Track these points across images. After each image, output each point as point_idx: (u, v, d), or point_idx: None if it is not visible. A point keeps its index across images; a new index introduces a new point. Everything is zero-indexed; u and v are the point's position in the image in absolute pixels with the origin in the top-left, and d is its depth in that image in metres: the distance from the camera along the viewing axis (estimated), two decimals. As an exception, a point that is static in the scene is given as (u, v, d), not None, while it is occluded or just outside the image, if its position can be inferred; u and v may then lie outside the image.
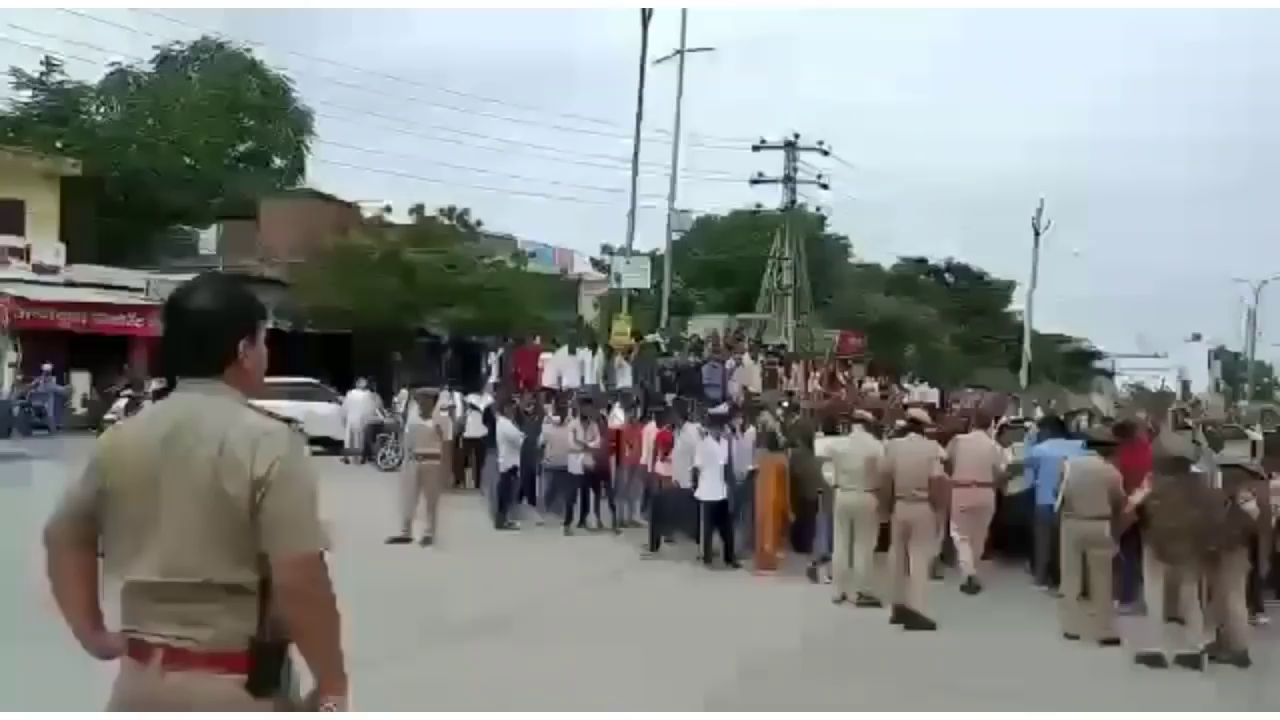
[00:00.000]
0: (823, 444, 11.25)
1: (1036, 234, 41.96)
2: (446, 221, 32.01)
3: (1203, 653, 8.05)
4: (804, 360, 20.54)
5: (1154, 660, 7.98)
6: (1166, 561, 8.12)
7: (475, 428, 15.33)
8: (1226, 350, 76.89)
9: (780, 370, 18.53)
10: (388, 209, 31.96)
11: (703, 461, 11.09)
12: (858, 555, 9.73)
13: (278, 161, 39.62)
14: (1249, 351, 63.07)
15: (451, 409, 15.14)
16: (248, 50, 37.43)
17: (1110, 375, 63.66)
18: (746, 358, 17.97)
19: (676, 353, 19.14)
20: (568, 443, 13.12)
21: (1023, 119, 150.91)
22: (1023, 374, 39.31)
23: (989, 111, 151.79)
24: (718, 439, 11.27)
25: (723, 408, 12.66)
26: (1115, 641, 8.48)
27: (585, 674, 7.03)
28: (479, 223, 32.98)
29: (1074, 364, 55.58)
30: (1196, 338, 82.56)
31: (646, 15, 23.68)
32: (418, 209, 31.86)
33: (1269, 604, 9.73)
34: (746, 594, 10.20)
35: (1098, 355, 59.74)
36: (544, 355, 18.32)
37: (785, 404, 14.40)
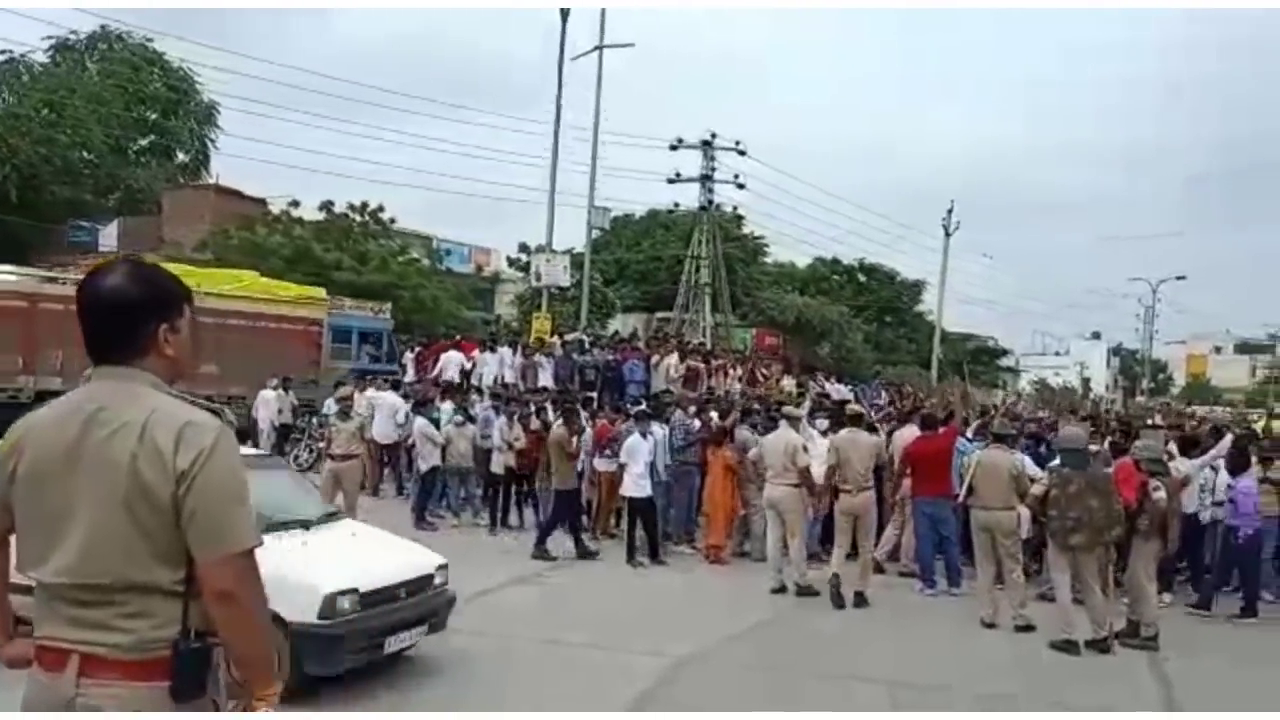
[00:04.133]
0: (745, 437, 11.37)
1: (947, 235, 42.93)
2: (359, 218, 31.38)
3: (1111, 637, 8.31)
4: (725, 358, 20.61)
5: (1067, 647, 8.19)
6: (1069, 551, 8.34)
7: (387, 428, 14.97)
8: (1124, 348, 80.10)
9: (703, 368, 18.57)
10: (295, 204, 31.21)
11: (629, 458, 11.03)
12: (792, 546, 9.82)
13: (181, 156, 38.38)
14: (1145, 349, 65.53)
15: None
16: (149, 41, 36.15)
17: (1015, 372, 65.70)
18: (672, 357, 17.98)
19: (596, 350, 19.05)
20: (469, 443, 13.01)
21: (939, 122, 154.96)
22: (933, 371, 40.13)
23: (905, 112, 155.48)
24: (644, 435, 11.22)
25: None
26: (1030, 628, 8.69)
27: (515, 675, 6.93)
28: (393, 220, 32.39)
29: (980, 361, 57.00)
30: (1096, 336, 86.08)
31: (565, 14, 23.58)
32: (328, 205, 31.19)
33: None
34: (674, 589, 10.18)
35: (1003, 353, 61.42)
36: (453, 353, 18.03)
37: (708, 401, 14.40)
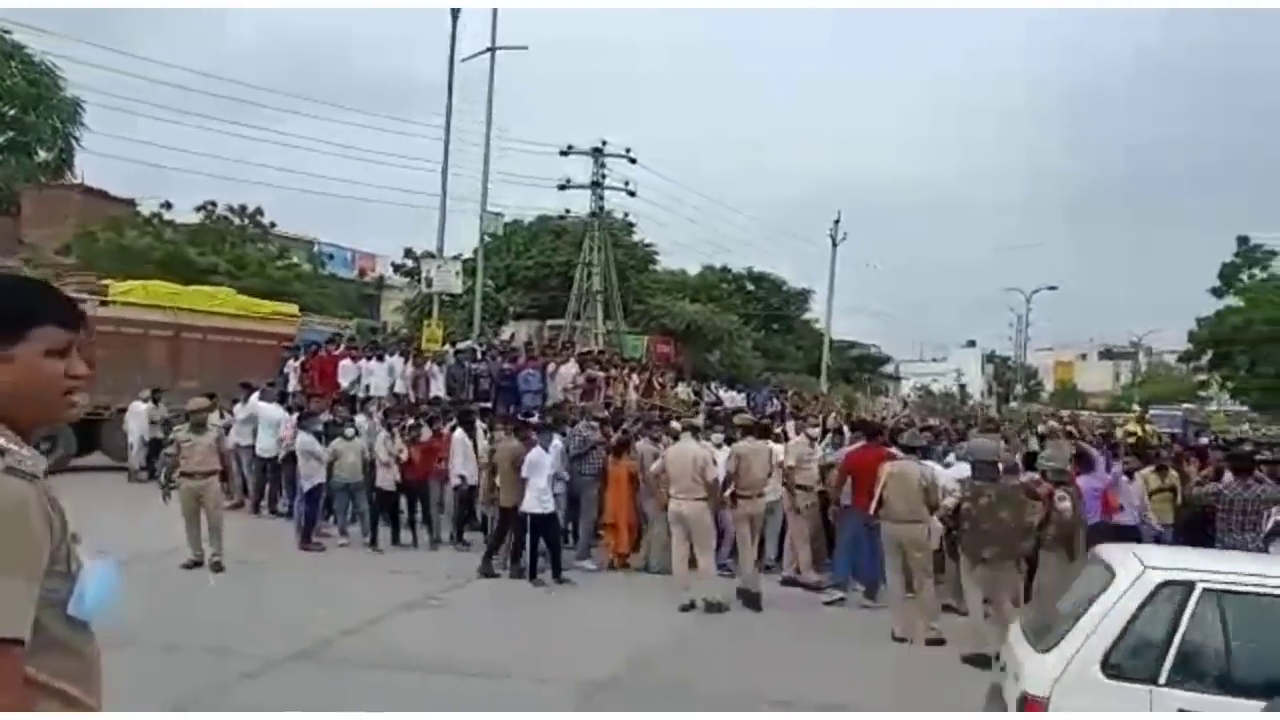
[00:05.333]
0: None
1: (834, 245, 43.67)
2: (237, 221, 30.07)
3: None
4: (623, 367, 20.30)
5: (979, 661, 8.10)
6: (981, 564, 8.29)
7: (269, 442, 14.15)
8: (998, 355, 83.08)
9: (601, 377, 18.23)
10: (167, 205, 29.74)
11: (529, 473, 10.59)
12: (701, 562, 9.59)
13: (43, 154, 36.13)
14: (1019, 356, 68.07)
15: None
16: (7, 33, 33.90)
17: (897, 379, 67.46)
18: (570, 366, 17.58)
19: (489, 360, 18.48)
20: (358, 457, 12.39)
21: (825, 131, 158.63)
22: (823, 378, 40.74)
23: (793, 121, 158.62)
24: (546, 449, 10.81)
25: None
26: (941, 642, 8.60)
27: (412, 705, 6.44)
28: (273, 224, 31.17)
29: (864, 368, 58.29)
30: (971, 343, 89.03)
31: (455, 14, 22.96)
32: (205, 207, 29.81)
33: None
34: (578, 609, 9.79)
35: (886, 360, 62.95)
36: (343, 363, 17.22)
37: (616, 413, 14.10)
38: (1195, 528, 9.39)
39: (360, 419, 13.52)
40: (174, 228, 28.40)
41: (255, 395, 14.94)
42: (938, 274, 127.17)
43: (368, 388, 16.55)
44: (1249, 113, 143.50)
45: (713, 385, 25.77)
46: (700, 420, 13.36)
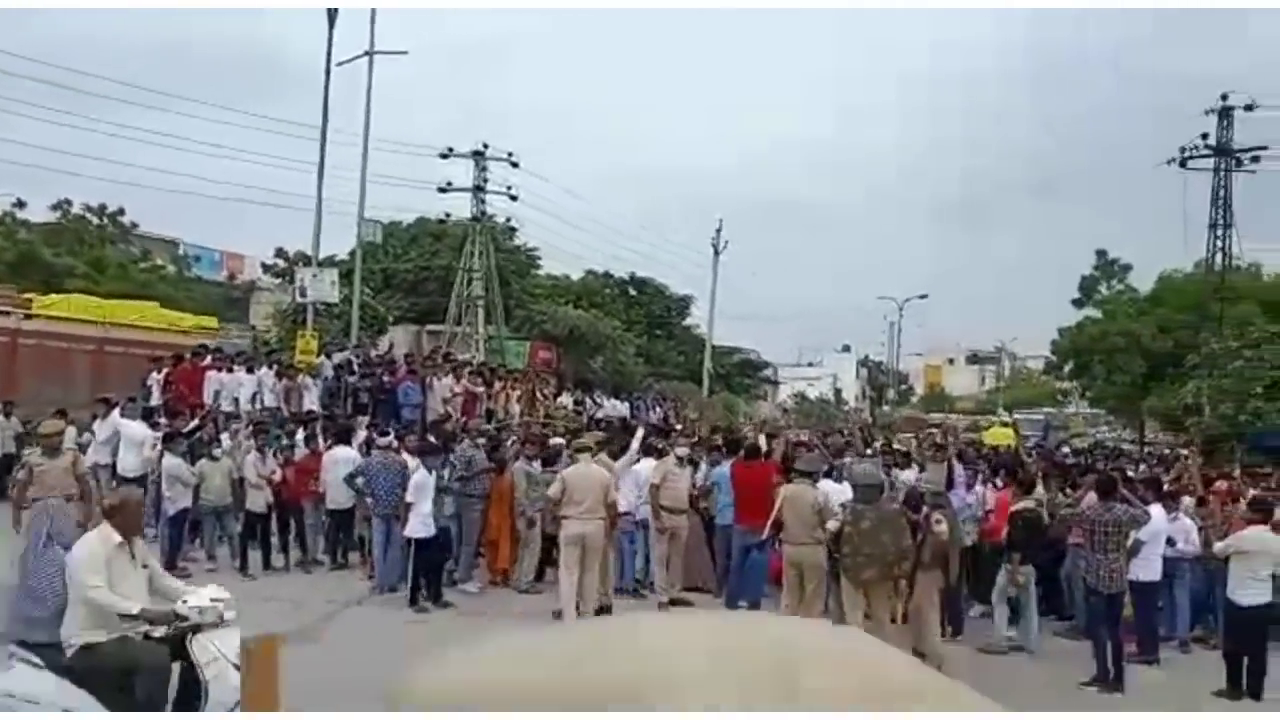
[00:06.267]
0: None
1: (716, 251, 44.13)
2: (95, 221, 28.57)
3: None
4: (505, 379, 19.98)
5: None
6: (861, 585, 8.43)
7: (133, 461, 13.37)
8: (871, 360, 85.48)
9: (482, 391, 17.93)
10: (20, 204, 28.06)
11: (414, 496, 10.32)
12: (589, 581, 9.61)
13: None
14: (892, 361, 70.15)
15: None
16: None
17: (775, 384, 68.64)
18: (448, 379, 17.24)
19: (374, 373, 17.95)
20: (225, 478, 11.89)
21: (707, 136, 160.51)
22: (705, 385, 41.12)
23: (677, 126, 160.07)
24: (430, 470, 10.55)
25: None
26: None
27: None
28: (134, 224, 29.74)
29: (744, 374, 59.09)
30: (846, 349, 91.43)
31: (333, 15, 22.23)
32: (61, 205, 28.22)
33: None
34: (461, 635, 9.51)
35: (765, 365, 63.95)
36: (209, 374, 16.44)
37: (491, 427, 13.87)
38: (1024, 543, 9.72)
39: (225, 437, 12.94)
40: (27, 227, 26.79)
41: (116, 411, 14.12)
42: (816, 281, 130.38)
43: (235, 401, 15.87)
44: (1111, 122, 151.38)
45: (596, 394, 25.67)
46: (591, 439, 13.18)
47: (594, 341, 38.13)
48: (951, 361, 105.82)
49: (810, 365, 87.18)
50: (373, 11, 23.54)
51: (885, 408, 64.70)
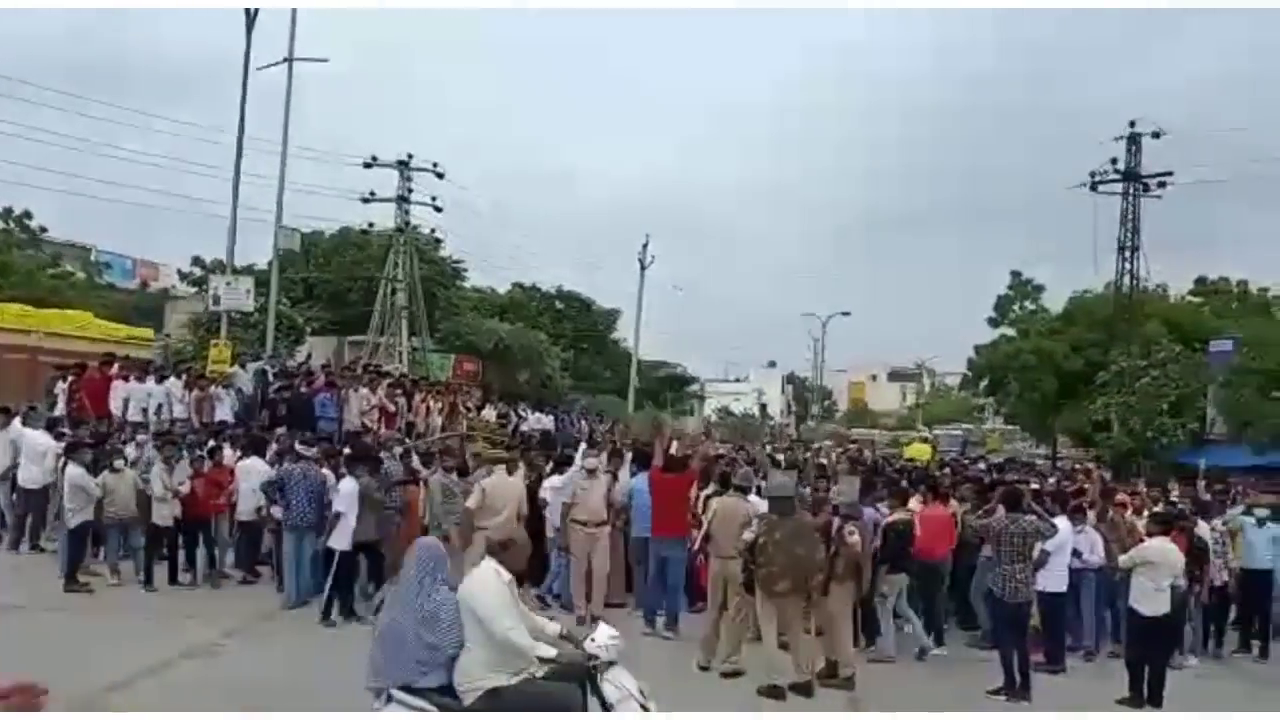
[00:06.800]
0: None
1: (642, 267, 44.29)
2: (1, 225, 27.63)
3: (812, 679, 8.50)
4: (426, 391, 19.72)
5: (773, 691, 8.28)
6: (775, 597, 8.48)
7: (34, 472, 12.87)
8: (796, 376, 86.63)
9: (402, 403, 17.67)
10: (-80, 207, 27.00)
11: (344, 506, 10.12)
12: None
13: None
14: (816, 377, 71.00)
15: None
16: None
17: (701, 399, 69.08)
18: (365, 389, 16.95)
19: (283, 383, 17.58)
20: (130, 489, 11.49)
21: (633, 151, 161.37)
22: (630, 399, 41.16)
23: (605, 139, 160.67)
24: (358, 478, 10.36)
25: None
26: (739, 673, 8.73)
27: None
28: (43, 229, 28.81)
29: (671, 388, 59.35)
30: (772, 365, 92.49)
31: (251, 17, 21.70)
32: (-37, 208, 27.24)
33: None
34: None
35: (691, 380, 64.35)
36: (116, 383, 15.88)
37: (409, 440, 13.67)
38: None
39: (130, 449, 12.54)
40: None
41: (17, 420, 13.59)
42: (741, 296, 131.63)
43: (144, 412, 15.37)
44: (1025, 146, 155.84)
45: (521, 407, 25.51)
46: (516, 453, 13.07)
47: (520, 355, 37.93)
48: (875, 378, 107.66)
49: (736, 380, 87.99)
50: (293, 12, 23.01)
51: (810, 423, 65.50)
